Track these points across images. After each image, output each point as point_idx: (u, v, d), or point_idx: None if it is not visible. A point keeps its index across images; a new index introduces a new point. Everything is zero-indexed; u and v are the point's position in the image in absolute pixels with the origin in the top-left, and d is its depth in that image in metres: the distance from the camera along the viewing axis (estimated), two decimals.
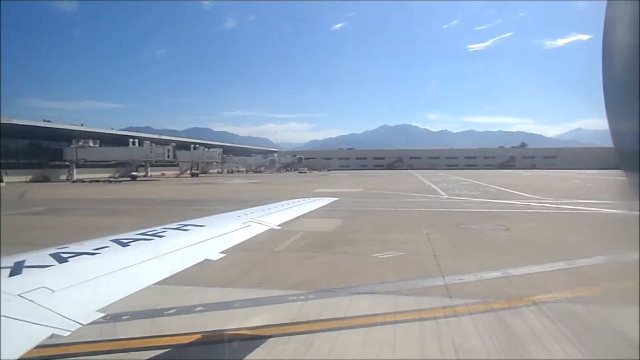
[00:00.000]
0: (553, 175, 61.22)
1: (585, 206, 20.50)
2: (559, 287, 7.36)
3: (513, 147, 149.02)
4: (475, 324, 5.65)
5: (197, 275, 7.19)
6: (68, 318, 1.92)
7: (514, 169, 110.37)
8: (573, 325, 5.54)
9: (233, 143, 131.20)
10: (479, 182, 43.71)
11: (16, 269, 2.28)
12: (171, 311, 6.28)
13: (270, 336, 5.32)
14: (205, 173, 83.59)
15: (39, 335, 1.75)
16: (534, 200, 23.96)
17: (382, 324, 5.79)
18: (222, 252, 3.29)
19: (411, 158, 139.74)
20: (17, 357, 1.57)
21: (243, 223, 4.21)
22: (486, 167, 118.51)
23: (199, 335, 5.49)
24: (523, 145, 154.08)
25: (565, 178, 51.15)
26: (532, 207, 20.37)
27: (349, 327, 5.67)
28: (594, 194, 27.06)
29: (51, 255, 2.63)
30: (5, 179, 46.32)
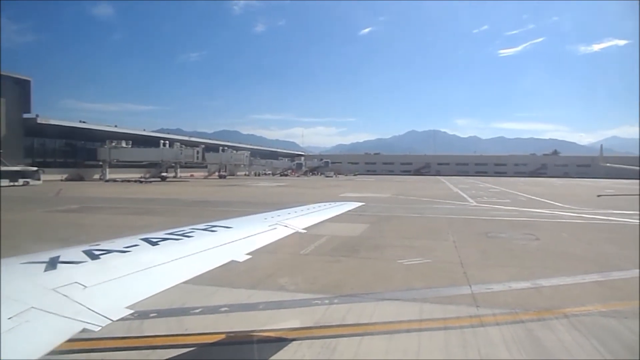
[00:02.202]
0: (586, 184, 59.34)
1: (620, 217, 19.75)
2: (592, 300, 7.10)
3: (545, 154, 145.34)
4: (503, 335, 5.51)
5: (223, 275, 7.29)
6: (99, 313, 1.97)
7: (546, 177, 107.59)
8: (606, 340, 5.34)
9: (261, 146, 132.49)
10: (508, 190, 42.79)
11: (51, 265, 2.36)
12: (197, 310, 6.37)
13: (293, 339, 5.33)
14: (232, 175, 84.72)
15: (71, 329, 1.80)
16: (565, 209, 23.28)
17: (407, 331, 5.72)
18: (248, 254, 3.32)
19: (439, 164, 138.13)
20: (50, 349, 1.62)
21: (269, 225, 4.24)
22: (517, 174, 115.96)
23: (223, 336, 5.55)
24: (555, 152, 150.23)
25: (600, 187, 49.43)
26: (563, 217, 19.79)
27: (373, 333, 5.63)
28: (630, 204, 26.06)
29: (84, 252, 2.71)
30: (42, 177, 48.01)
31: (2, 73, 55.11)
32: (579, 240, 13.49)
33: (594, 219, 18.98)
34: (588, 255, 11.03)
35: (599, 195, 33.48)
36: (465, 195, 34.55)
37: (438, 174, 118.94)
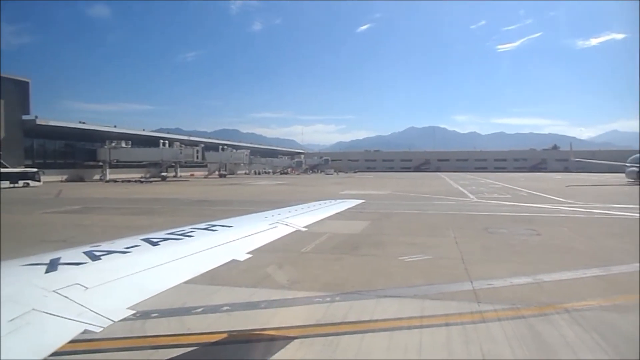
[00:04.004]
0: (587, 179, 59.25)
1: (620, 211, 19.77)
2: (593, 295, 7.10)
3: (545, 149, 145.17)
4: (504, 331, 5.51)
5: (225, 275, 7.31)
6: (100, 314, 1.97)
7: (546, 172, 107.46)
8: (608, 334, 5.35)
9: (260, 144, 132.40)
10: (508, 185, 42.75)
11: (52, 266, 2.36)
12: (199, 310, 6.38)
13: (295, 337, 5.33)
14: (232, 174, 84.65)
15: (73, 331, 1.80)
16: (566, 204, 23.27)
17: (408, 328, 5.72)
18: (248, 253, 3.33)
19: (439, 160, 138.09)
20: (52, 351, 1.62)
21: (270, 224, 4.24)
22: (516, 169, 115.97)
23: (225, 335, 5.55)
24: (555, 147, 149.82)
25: (600, 181, 49.41)
26: (564, 212, 19.80)
27: (375, 331, 5.63)
28: (630, 198, 26.07)
29: (85, 253, 2.71)
30: (43, 178, 47.98)
31: (1, 75, 55.04)
32: (580, 234, 13.49)
33: (594, 214, 18.96)
34: (589, 250, 11.03)
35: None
36: (465, 191, 34.53)
37: (438, 170, 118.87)
